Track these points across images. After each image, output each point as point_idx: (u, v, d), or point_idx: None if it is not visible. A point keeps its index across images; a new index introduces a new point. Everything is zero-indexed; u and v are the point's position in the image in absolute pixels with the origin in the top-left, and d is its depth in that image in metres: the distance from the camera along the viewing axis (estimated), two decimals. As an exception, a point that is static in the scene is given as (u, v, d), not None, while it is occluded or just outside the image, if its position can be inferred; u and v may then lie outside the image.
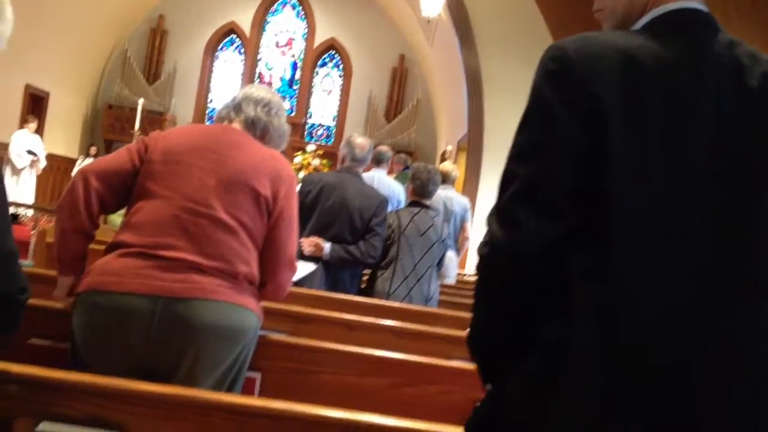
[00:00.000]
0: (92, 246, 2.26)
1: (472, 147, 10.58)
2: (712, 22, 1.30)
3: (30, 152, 10.95)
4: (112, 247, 2.14)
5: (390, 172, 6.73)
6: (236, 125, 2.40)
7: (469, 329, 1.38)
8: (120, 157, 2.25)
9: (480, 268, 1.31)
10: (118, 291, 2.01)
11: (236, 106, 2.43)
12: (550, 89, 1.21)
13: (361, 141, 4.29)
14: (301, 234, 4.03)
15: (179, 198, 2.12)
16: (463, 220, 5.93)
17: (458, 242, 6.01)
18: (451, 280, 5.58)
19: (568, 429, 1.14)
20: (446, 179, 5.91)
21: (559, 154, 1.18)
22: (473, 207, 8.16)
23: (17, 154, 10.83)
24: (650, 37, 1.24)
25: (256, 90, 2.50)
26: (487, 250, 1.26)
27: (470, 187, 10.25)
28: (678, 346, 1.14)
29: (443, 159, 12.88)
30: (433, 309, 4.01)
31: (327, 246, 3.98)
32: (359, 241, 4.03)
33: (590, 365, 1.14)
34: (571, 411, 1.14)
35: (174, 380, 1.95)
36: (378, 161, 5.74)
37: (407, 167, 7.49)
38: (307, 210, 4.07)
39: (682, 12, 1.29)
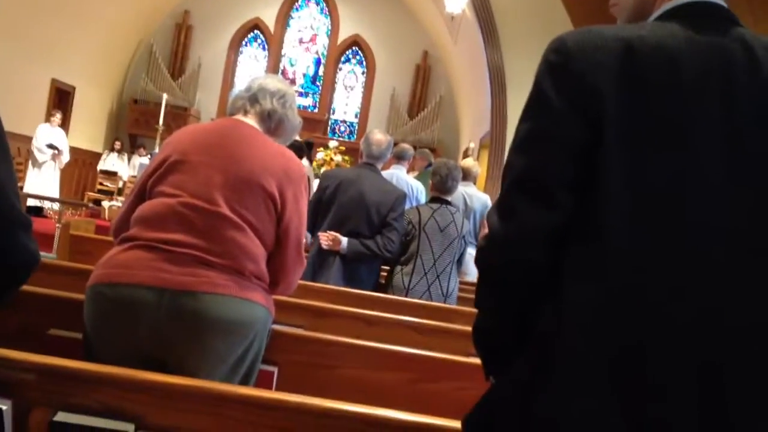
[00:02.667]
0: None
1: (495, 144, 10.56)
2: (728, 16, 1.26)
3: (51, 146, 11.04)
4: (119, 242, 2.15)
5: (412, 170, 6.70)
6: (251, 117, 2.38)
7: (473, 323, 1.38)
8: (140, 183, 2.26)
9: (479, 260, 1.30)
10: (126, 282, 2.02)
11: (252, 97, 2.40)
12: (549, 81, 1.20)
13: (378, 137, 4.28)
14: (320, 228, 4.05)
15: (185, 195, 2.11)
16: (482, 217, 5.89)
17: (478, 239, 5.97)
18: (470, 276, 5.55)
19: (554, 427, 1.11)
20: (467, 176, 5.88)
21: (555, 144, 1.17)
22: (495, 204, 8.12)
23: (37, 148, 10.94)
24: (656, 28, 1.22)
25: (271, 81, 2.46)
26: (486, 242, 1.26)
27: (492, 185, 10.22)
28: (675, 353, 1.09)
29: (465, 156, 12.84)
30: (452, 306, 3.99)
31: (344, 240, 4.00)
32: (376, 236, 4.04)
33: (576, 364, 1.11)
34: (557, 408, 1.11)
35: (183, 373, 1.94)
36: (399, 158, 5.73)
37: (430, 164, 7.45)
38: (325, 205, 4.09)
39: (696, 5, 1.26)
